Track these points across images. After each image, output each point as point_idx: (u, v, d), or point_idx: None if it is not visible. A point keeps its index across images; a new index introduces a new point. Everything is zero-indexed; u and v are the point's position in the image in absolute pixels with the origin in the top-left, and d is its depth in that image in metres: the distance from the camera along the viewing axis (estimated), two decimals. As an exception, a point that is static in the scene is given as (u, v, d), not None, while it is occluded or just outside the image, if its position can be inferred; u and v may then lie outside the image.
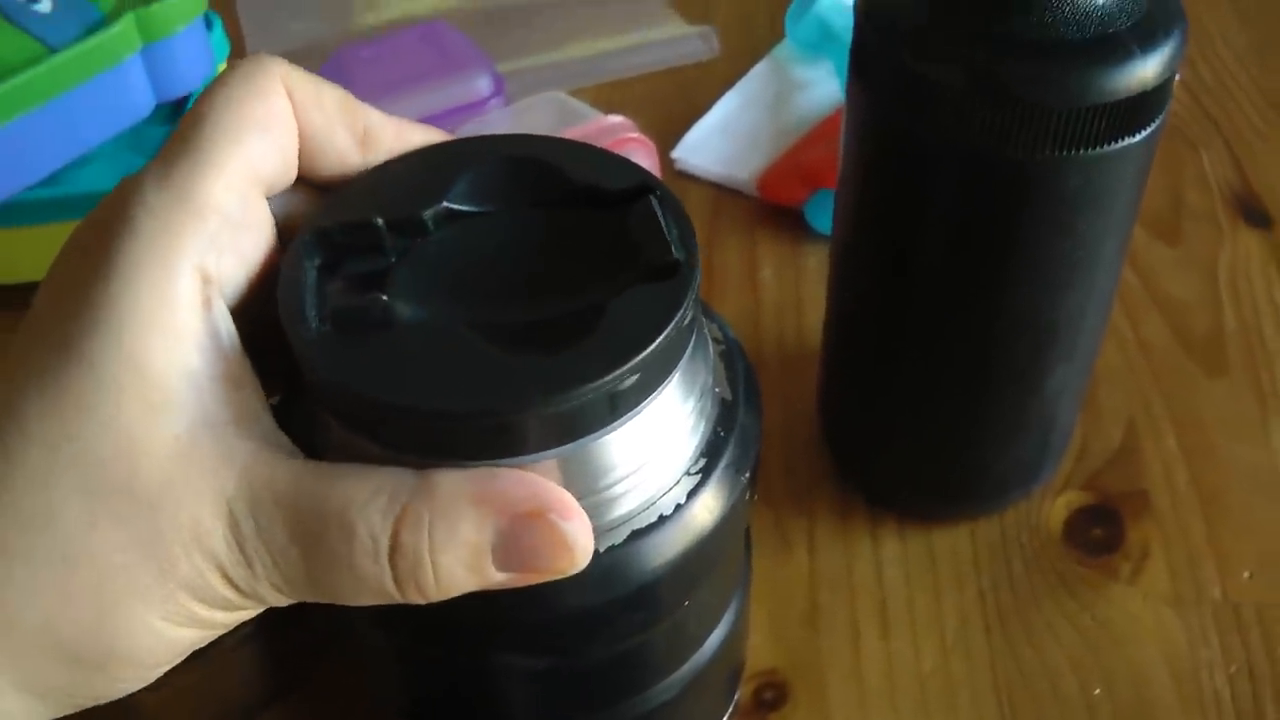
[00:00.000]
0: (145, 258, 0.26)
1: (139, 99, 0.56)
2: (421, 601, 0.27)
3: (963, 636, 0.44)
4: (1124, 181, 0.38)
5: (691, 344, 0.29)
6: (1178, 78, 0.66)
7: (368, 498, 0.26)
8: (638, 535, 0.29)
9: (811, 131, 0.61)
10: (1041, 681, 0.43)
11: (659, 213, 0.29)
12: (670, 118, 0.64)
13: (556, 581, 0.28)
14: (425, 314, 0.28)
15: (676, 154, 0.62)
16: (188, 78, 0.58)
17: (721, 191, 0.61)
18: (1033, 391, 0.42)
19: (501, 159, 0.30)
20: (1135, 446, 0.50)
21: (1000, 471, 0.46)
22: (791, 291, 0.57)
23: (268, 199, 0.29)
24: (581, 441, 0.27)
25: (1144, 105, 0.36)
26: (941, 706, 0.43)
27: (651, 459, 0.29)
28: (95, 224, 0.27)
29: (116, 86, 0.55)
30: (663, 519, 0.29)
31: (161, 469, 0.25)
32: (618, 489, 0.29)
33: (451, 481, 0.26)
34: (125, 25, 0.54)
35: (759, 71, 0.67)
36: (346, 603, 0.27)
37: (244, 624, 0.39)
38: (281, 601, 0.27)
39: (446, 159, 0.31)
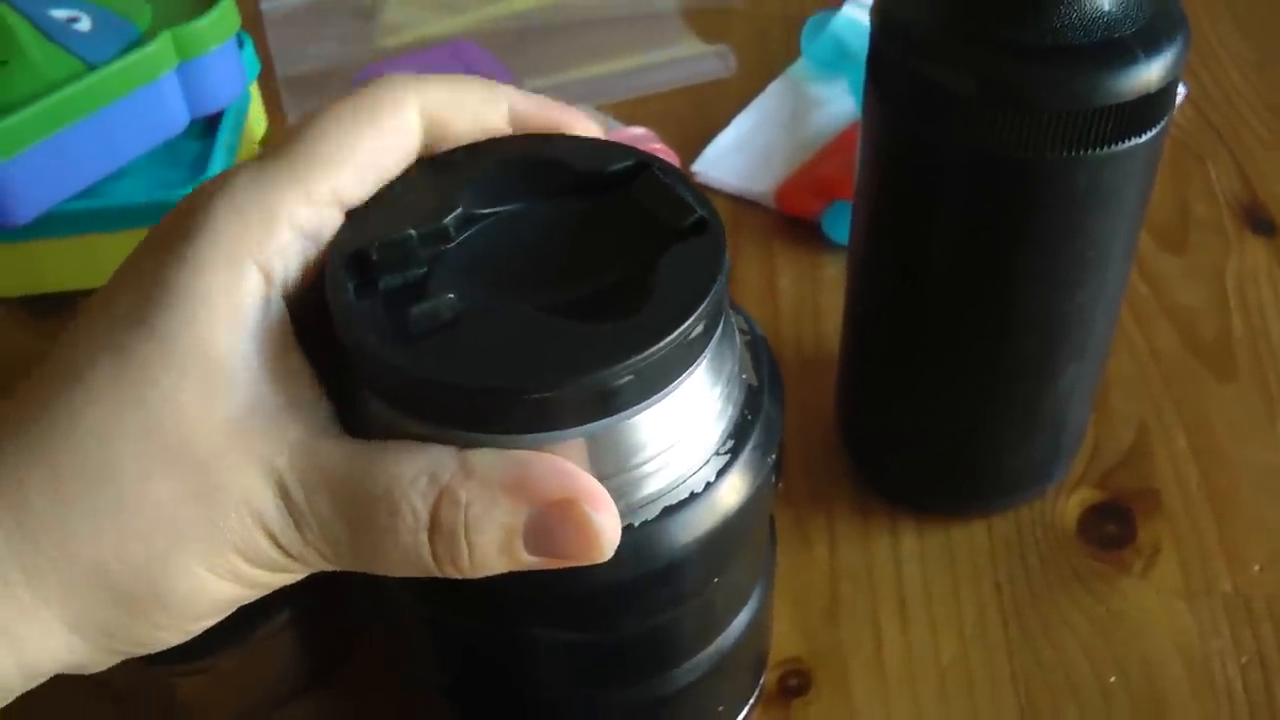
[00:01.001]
0: (219, 252, 0.27)
1: (174, 114, 0.58)
2: (457, 576, 0.28)
3: (980, 628, 0.45)
4: (1131, 181, 0.39)
5: (721, 325, 0.30)
6: (1183, 89, 0.68)
7: (412, 477, 0.27)
8: (670, 511, 0.30)
9: (827, 146, 0.63)
10: (1057, 671, 0.44)
11: (667, 182, 0.31)
12: (688, 133, 0.66)
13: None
14: (464, 304, 0.29)
15: (696, 167, 0.63)
16: (221, 94, 0.60)
17: (740, 204, 0.63)
18: (1045, 389, 0.44)
19: (504, 159, 0.32)
20: (1147, 448, 0.52)
21: (1014, 469, 0.47)
22: (809, 300, 0.58)
23: None
24: (622, 416, 0.28)
25: (1149, 107, 0.37)
26: (960, 695, 0.44)
27: (683, 438, 0.30)
28: (181, 213, 0.29)
29: (153, 102, 0.56)
30: (694, 496, 0.31)
31: (216, 441, 0.27)
32: (650, 466, 0.30)
33: (489, 466, 0.27)
34: (162, 43, 0.56)
35: (775, 89, 0.68)
36: (388, 573, 0.29)
37: (280, 613, 0.41)
38: (326, 567, 0.29)
39: (451, 167, 0.32)
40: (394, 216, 0.30)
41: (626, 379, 0.27)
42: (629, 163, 0.32)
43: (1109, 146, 0.37)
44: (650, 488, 0.30)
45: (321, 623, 0.43)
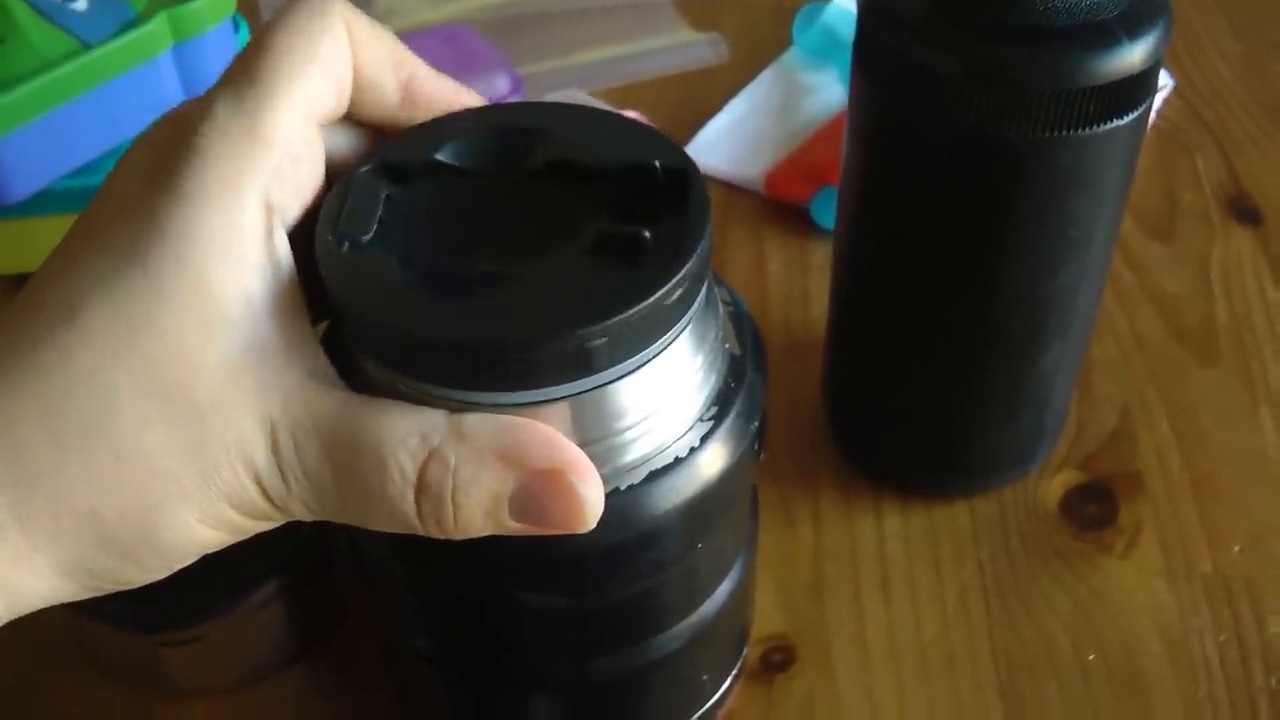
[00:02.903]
0: (215, 182, 0.27)
1: (169, 94, 0.58)
2: (439, 536, 0.29)
3: (962, 606, 0.46)
4: (1113, 162, 0.40)
5: (705, 290, 0.31)
6: (1172, 82, 0.68)
7: (402, 435, 0.28)
8: (654, 476, 0.31)
9: (817, 133, 0.64)
10: (1038, 648, 0.45)
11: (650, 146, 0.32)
12: (679, 120, 0.66)
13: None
14: (442, 256, 0.30)
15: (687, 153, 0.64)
16: (216, 75, 0.59)
17: (730, 190, 0.63)
18: (1028, 369, 0.44)
19: (487, 124, 0.32)
20: (1129, 431, 0.52)
21: (997, 449, 0.47)
22: (798, 284, 0.59)
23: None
24: (609, 374, 0.29)
25: (1131, 88, 0.38)
26: (941, 672, 0.44)
27: (667, 404, 0.31)
28: (156, 144, 0.28)
29: (148, 82, 0.57)
30: (678, 461, 0.31)
31: (213, 384, 0.27)
32: (635, 431, 0.30)
33: (481, 431, 0.28)
34: (158, 24, 0.56)
35: (766, 77, 0.69)
36: (370, 527, 0.29)
37: (267, 584, 0.42)
38: (309, 517, 0.29)
39: (436, 129, 0.32)
40: (375, 175, 0.31)
41: (615, 335, 0.28)
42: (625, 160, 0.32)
43: (1092, 127, 0.38)
44: (635, 453, 0.31)
45: (309, 594, 0.44)
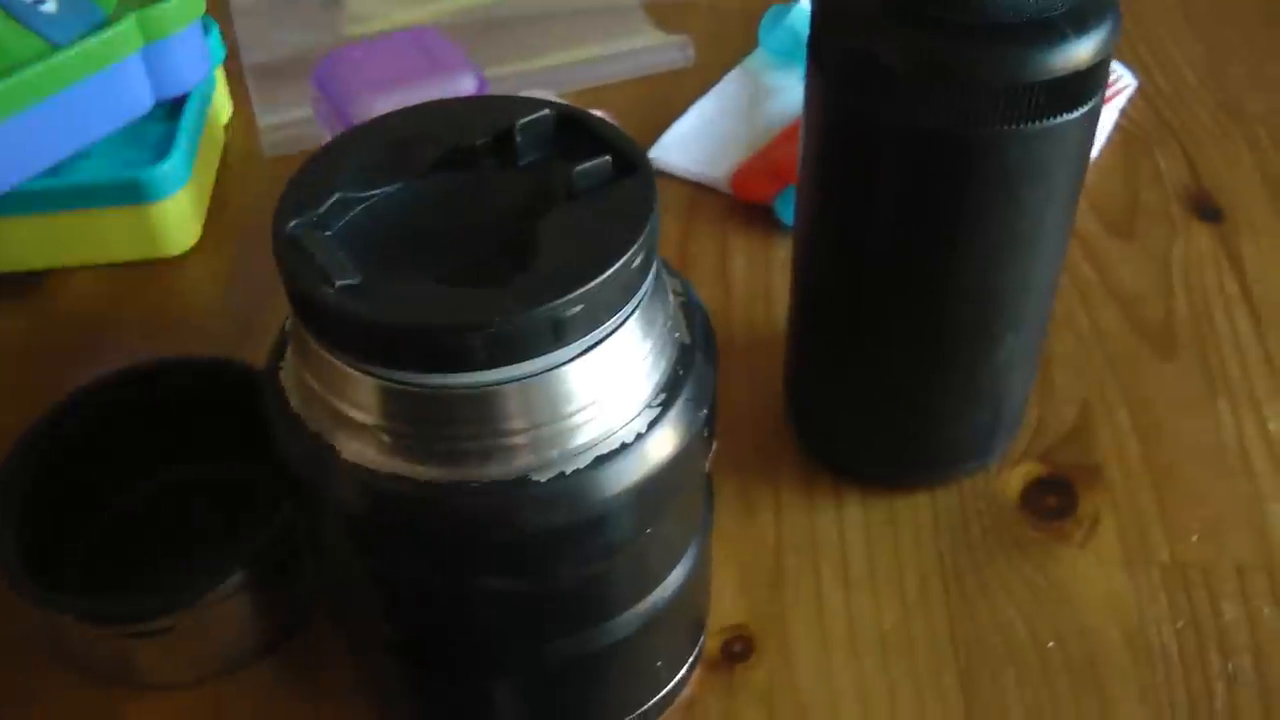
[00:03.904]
0: None
1: (138, 96, 0.59)
2: None
3: (922, 595, 0.46)
4: (1063, 155, 0.40)
5: (649, 281, 0.31)
6: (1135, 83, 0.69)
7: None
8: (601, 461, 0.31)
9: (782, 132, 0.64)
10: (996, 637, 0.45)
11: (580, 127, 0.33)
12: (647, 122, 0.67)
13: (527, 502, 0.31)
14: (390, 248, 0.30)
15: (653, 153, 0.65)
16: (185, 77, 0.61)
17: (696, 189, 0.64)
18: (982, 361, 0.45)
19: (382, 141, 0.33)
20: (1089, 424, 0.53)
21: (955, 441, 0.48)
22: (761, 282, 0.59)
23: None
24: (556, 356, 0.29)
25: (1078, 83, 0.39)
26: (900, 660, 0.45)
27: (614, 389, 0.31)
28: None
29: (117, 83, 0.57)
30: (625, 446, 0.32)
31: None
32: (583, 416, 0.31)
33: None
34: (127, 25, 0.56)
35: (733, 78, 0.70)
36: None
37: (233, 575, 0.42)
38: None
39: (337, 153, 0.33)
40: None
41: (563, 317, 0.28)
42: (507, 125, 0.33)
43: (1040, 121, 0.39)
44: (583, 437, 0.31)
45: (276, 588, 0.44)
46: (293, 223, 0.31)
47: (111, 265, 0.62)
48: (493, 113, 0.34)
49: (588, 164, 0.32)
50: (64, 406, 0.47)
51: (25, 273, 0.61)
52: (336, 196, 0.31)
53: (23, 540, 0.44)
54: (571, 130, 0.34)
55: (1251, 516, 0.49)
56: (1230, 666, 0.44)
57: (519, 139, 0.33)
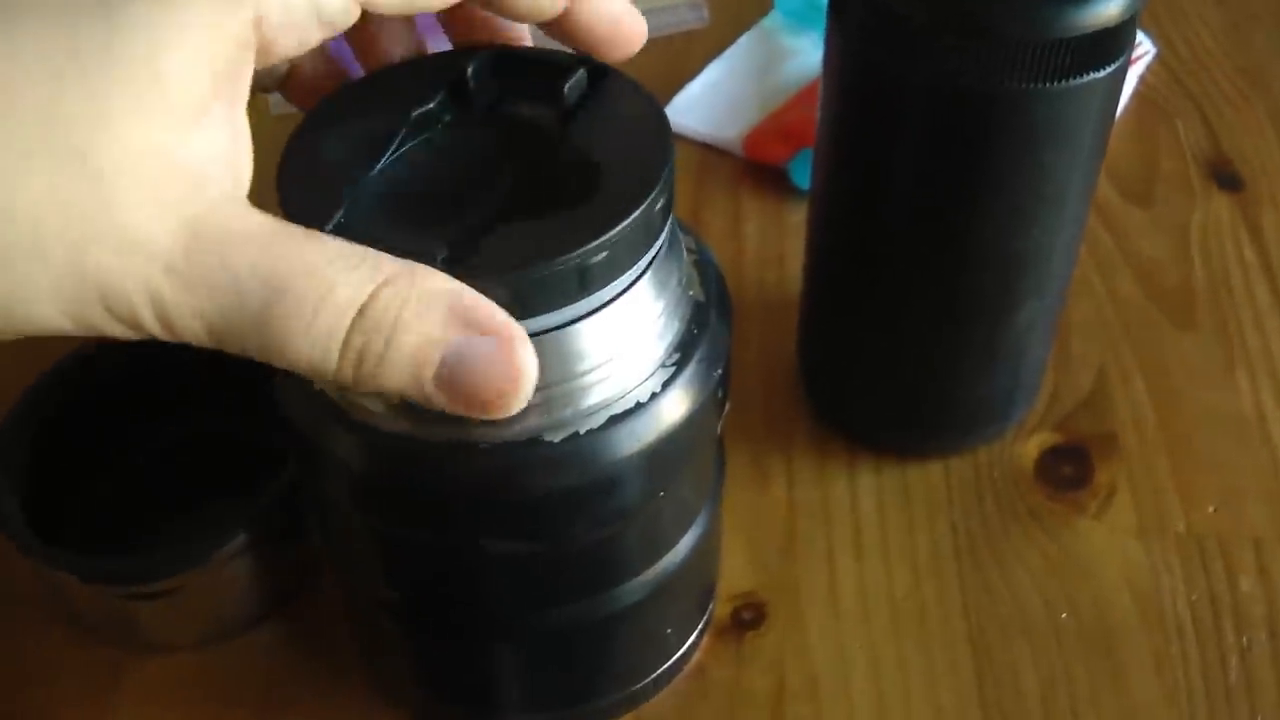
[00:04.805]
0: None
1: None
2: (347, 382, 0.27)
3: (934, 565, 0.46)
4: (1088, 116, 0.40)
5: (666, 233, 0.31)
6: (1154, 49, 0.68)
7: (354, 262, 0.26)
8: (615, 420, 0.31)
9: (796, 95, 0.63)
10: (1009, 606, 0.45)
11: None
12: (660, 83, 0.66)
13: (538, 463, 0.30)
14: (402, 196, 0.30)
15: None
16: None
17: (709, 151, 0.63)
18: (1002, 325, 0.44)
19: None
20: (1105, 392, 0.52)
21: (972, 407, 0.47)
22: (774, 245, 0.58)
23: None
24: (567, 313, 0.29)
25: (1107, 41, 0.38)
26: (912, 629, 0.44)
27: (628, 348, 0.31)
28: None
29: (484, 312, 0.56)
30: (639, 406, 0.31)
31: (128, 162, 0.25)
32: (596, 375, 0.30)
33: (437, 279, 0.27)
34: None
35: (747, 40, 0.68)
36: (276, 357, 0.27)
37: (236, 537, 0.41)
38: (194, 337, 0.27)
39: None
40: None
41: (580, 268, 0.28)
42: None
43: (1067, 80, 0.38)
44: (596, 397, 0.31)
45: (279, 550, 0.43)
46: (299, 172, 0.30)
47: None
48: (431, 70, 0.33)
49: (569, 80, 0.31)
50: (67, 363, 0.46)
51: None
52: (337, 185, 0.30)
53: (25, 498, 0.43)
54: (511, 66, 0.33)
55: (1269, 488, 0.48)
56: (1245, 639, 0.44)
57: (472, 85, 0.32)
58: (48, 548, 0.42)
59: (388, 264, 0.27)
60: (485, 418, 0.28)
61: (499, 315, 0.27)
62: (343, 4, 0.29)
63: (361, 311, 0.26)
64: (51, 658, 0.44)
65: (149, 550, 0.42)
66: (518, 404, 0.27)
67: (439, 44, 0.36)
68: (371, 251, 0.27)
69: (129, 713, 0.43)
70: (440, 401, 0.27)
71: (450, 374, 0.27)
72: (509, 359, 0.27)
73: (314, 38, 0.29)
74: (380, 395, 0.29)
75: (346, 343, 0.26)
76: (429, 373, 0.27)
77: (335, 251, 0.26)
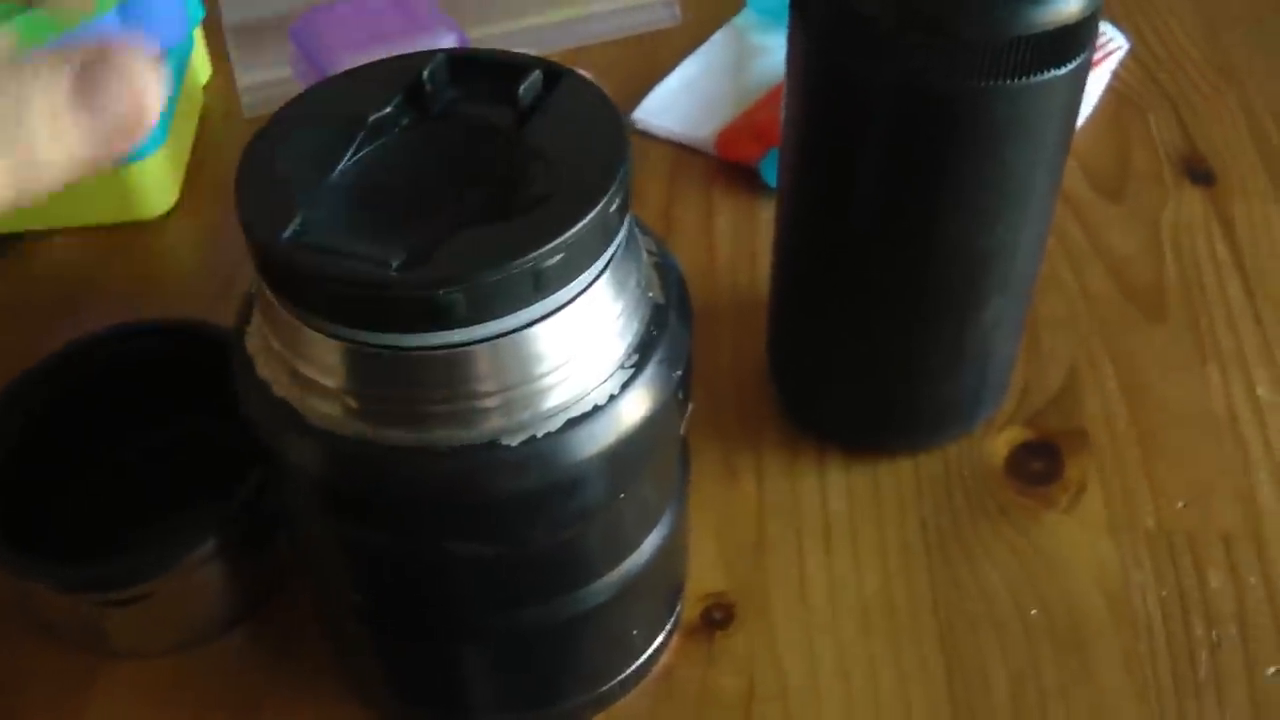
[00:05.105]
0: None
1: (112, 55, 0.58)
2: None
3: (904, 562, 0.46)
4: (1050, 113, 0.40)
5: (623, 234, 0.31)
6: (1127, 44, 0.68)
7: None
8: (573, 423, 0.31)
9: (768, 93, 0.63)
10: (979, 604, 0.45)
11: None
12: (632, 82, 0.66)
13: (497, 466, 0.30)
14: (357, 203, 0.30)
15: (638, 114, 0.64)
16: (164, 36, 0.60)
17: (681, 150, 0.63)
18: (969, 323, 0.44)
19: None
20: (1076, 388, 0.52)
21: (940, 404, 0.47)
22: (746, 244, 0.58)
23: None
24: (524, 316, 0.29)
25: (1067, 38, 0.38)
26: (882, 626, 0.44)
27: (586, 350, 0.31)
28: None
29: (92, 41, 0.56)
30: (597, 409, 0.31)
31: None
32: (554, 377, 0.30)
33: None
34: (99, -20, 0.55)
35: (719, 38, 0.68)
36: None
37: (206, 542, 0.41)
38: None
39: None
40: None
41: (535, 271, 0.28)
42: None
43: (1027, 77, 0.38)
44: (554, 400, 0.31)
45: (249, 554, 0.43)
46: (256, 180, 0.30)
47: (89, 228, 0.61)
48: (388, 74, 0.33)
49: (524, 82, 0.31)
50: (39, 371, 0.46)
51: (1, 236, 0.60)
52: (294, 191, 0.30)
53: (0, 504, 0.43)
54: (467, 69, 0.33)
55: (1239, 484, 0.48)
56: (1215, 635, 0.44)
57: (428, 88, 0.33)
58: (18, 555, 0.41)
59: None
60: (131, 137, 0.27)
61: (97, 42, 0.27)
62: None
63: None
64: (23, 664, 0.44)
65: (120, 556, 0.42)
66: (153, 103, 0.27)
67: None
68: None
69: (94, 697, 0.43)
70: (92, 126, 0.27)
71: (81, 92, 0.27)
72: (124, 65, 0.27)
73: None
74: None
75: None
76: (65, 117, 0.26)
77: None
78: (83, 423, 0.48)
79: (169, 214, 0.62)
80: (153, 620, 0.43)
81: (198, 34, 0.67)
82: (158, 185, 0.60)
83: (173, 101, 0.60)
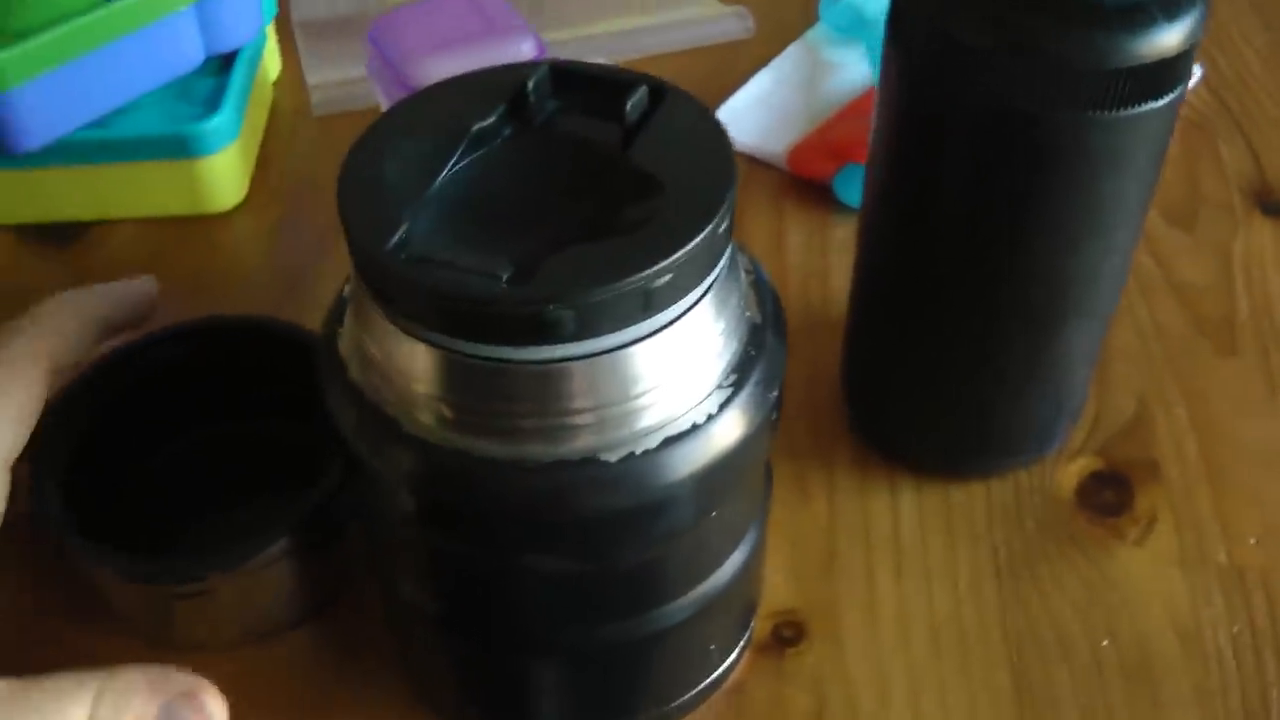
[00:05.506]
0: None
1: (189, 50, 0.58)
2: None
3: (974, 587, 0.46)
4: (1144, 145, 0.39)
5: (728, 255, 0.31)
6: (1199, 71, 0.67)
7: (77, 684, 0.34)
8: (670, 442, 0.31)
9: (842, 110, 0.63)
10: (1049, 632, 0.44)
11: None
12: (704, 93, 0.64)
13: (591, 483, 0.30)
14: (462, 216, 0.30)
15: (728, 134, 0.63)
16: (238, 33, 0.60)
17: (753, 164, 0.63)
18: (1046, 348, 0.44)
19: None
20: (1147, 419, 0.52)
21: (1014, 428, 0.47)
22: (818, 261, 0.58)
23: None
24: (627, 334, 0.29)
25: (1166, 71, 0.37)
26: (952, 652, 0.44)
27: (686, 369, 0.30)
28: None
29: (168, 37, 0.57)
30: (695, 428, 0.31)
31: None
32: (653, 396, 0.30)
33: (130, 672, 0.35)
34: (179, -24, 0.56)
35: (792, 52, 0.68)
36: None
37: (277, 541, 0.41)
38: None
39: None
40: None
41: (643, 291, 0.28)
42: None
43: (1124, 108, 0.37)
44: (652, 418, 0.30)
45: (319, 554, 0.43)
46: (360, 188, 0.30)
47: (156, 220, 0.61)
48: (490, 85, 0.33)
49: (631, 98, 0.31)
50: (108, 362, 0.46)
51: (70, 224, 0.61)
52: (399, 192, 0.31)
53: (67, 494, 0.43)
54: (571, 82, 0.33)
55: (1311, 522, 0.48)
56: (1287, 673, 0.43)
57: (532, 100, 0.32)
58: (88, 543, 0.42)
59: (93, 679, 0.34)
60: None
61: (183, 679, 0.36)
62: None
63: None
64: (84, 651, 0.44)
65: (188, 550, 0.42)
66: None
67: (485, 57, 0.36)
68: (76, 675, 0.35)
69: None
70: None
71: None
72: (200, 705, 0.35)
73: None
74: None
75: None
76: None
77: (56, 684, 0.34)
78: (152, 416, 0.48)
79: (236, 209, 0.62)
80: (219, 613, 0.43)
81: (269, 30, 0.67)
82: (227, 180, 0.61)
83: (244, 97, 0.61)
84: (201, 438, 0.49)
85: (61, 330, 0.42)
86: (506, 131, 0.32)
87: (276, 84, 0.69)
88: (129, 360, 0.47)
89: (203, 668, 0.43)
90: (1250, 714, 0.42)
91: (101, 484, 0.46)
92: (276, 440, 0.49)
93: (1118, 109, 0.37)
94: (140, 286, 0.46)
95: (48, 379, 0.41)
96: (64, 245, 0.60)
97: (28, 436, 0.40)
